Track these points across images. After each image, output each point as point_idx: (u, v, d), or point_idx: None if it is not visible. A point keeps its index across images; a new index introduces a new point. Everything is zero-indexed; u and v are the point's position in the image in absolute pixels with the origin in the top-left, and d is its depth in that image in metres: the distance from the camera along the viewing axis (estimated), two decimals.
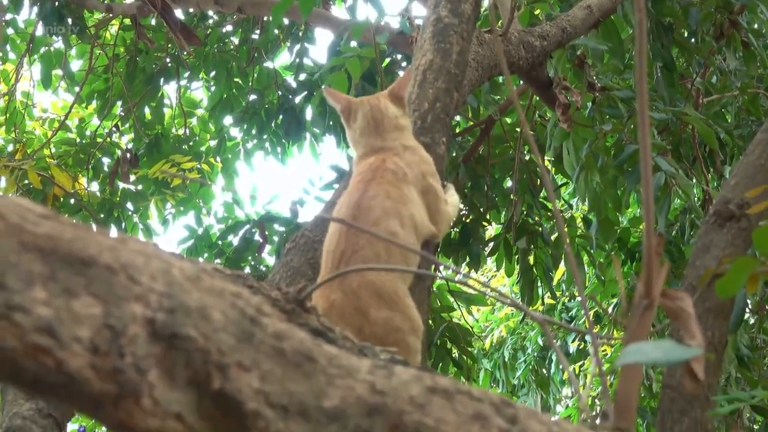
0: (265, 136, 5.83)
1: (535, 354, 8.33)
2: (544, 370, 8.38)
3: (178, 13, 4.82)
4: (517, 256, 4.44)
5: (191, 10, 5.49)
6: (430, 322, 3.92)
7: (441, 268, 3.84)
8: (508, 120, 4.65)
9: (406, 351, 1.84)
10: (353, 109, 2.27)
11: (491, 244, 4.53)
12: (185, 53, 5.51)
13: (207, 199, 6.10)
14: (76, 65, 6.02)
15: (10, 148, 5.92)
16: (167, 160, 4.23)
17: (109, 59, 5.67)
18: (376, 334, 1.81)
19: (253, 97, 5.80)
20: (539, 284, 4.50)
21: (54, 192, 4.51)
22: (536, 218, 4.45)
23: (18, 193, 4.42)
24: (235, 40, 5.99)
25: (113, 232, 0.67)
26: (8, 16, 5.55)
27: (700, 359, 0.94)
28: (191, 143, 6.13)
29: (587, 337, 6.79)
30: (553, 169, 4.52)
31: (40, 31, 5.41)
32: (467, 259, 4.34)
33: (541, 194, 4.49)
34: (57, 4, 4.91)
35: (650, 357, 0.79)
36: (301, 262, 2.46)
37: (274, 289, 1.05)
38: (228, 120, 6.02)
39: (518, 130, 4.52)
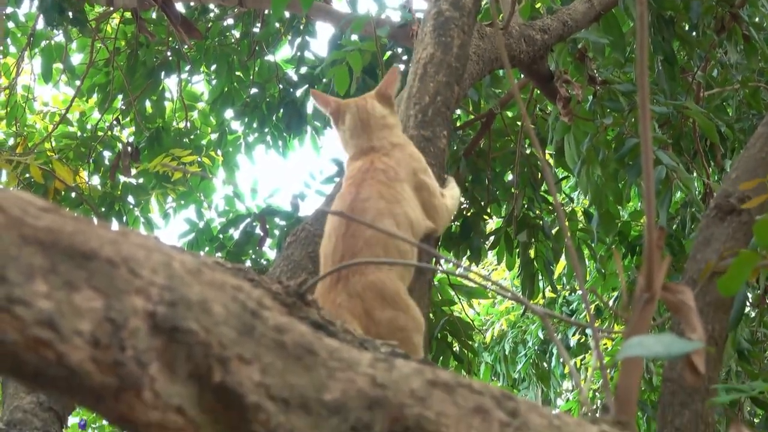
0: (266, 130, 5.83)
1: (536, 347, 8.33)
2: (545, 364, 8.38)
3: (179, 7, 4.80)
4: (517, 250, 4.44)
5: (192, 3, 5.48)
6: (431, 315, 3.92)
7: (442, 261, 3.84)
8: (509, 113, 4.65)
9: (413, 349, 1.87)
10: (341, 111, 2.29)
11: (492, 238, 4.54)
12: (186, 47, 5.50)
13: (208, 193, 6.10)
14: (76, 59, 6.02)
15: (11, 141, 5.91)
16: (168, 153, 4.22)
17: (109, 53, 5.66)
18: (382, 334, 1.82)
19: (254, 90, 5.80)
20: (540, 278, 4.51)
21: (55, 186, 4.51)
22: (537, 212, 4.45)
23: (19, 187, 4.42)
24: (236, 34, 5.98)
25: (114, 225, 0.67)
26: (9, 10, 5.55)
27: (701, 352, 0.94)
28: (192, 137, 6.11)
29: (588, 331, 6.79)
30: (554, 162, 4.52)
31: (41, 24, 5.41)
32: (468, 253, 4.34)
33: (542, 188, 4.49)
34: None
35: (651, 350, 0.79)
36: (301, 255, 2.46)
37: (275, 283, 1.05)
38: (229, 113, 6.02)
39: (519, 123, 4.52)
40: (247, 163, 7.05)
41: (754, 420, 4.80)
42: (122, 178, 5.61)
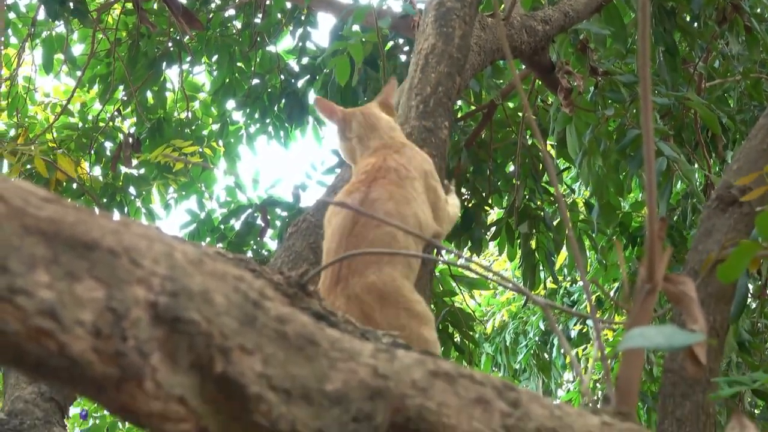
0: (267, 120, 5.82)
1: (537, 338, 8.33)
2: (546, 355, 8.38)
3: None
4: (519, 241, 4.44)
5: None
6: (432, 306, 3.92)
7: (443, 252, 3.84)
8: (511, 104, 4.64)
9: (424, 344, 1.85)
10: (347, 120, 2.29)
11: (493, 229, 4.54)
12: (187, 37, 5.49)
13: (209, 184, 6.09)
14: (77, 50, 6.00)
15: (12, 132, 5.91)
16: (169, 144, 4.22)
17: (111, 43, 5.65)
18: None
19: (255, 81, 5.79)
20: (541, 269, 4.51)
21: (57, 176, 4.51)
22: (538, 203, 4.45)
23: (21, 178, 4.42)
24: (238, 24, 5.97)
25: (116, 216, 0.67)
26: (10, 0, 5.54)
27: (702, 344, 0.94)
28: (193, 127, 6.10)
29: (589, 322, 6.79)
30: (556, 153, 4.52)
31: (42, 15, 5.40)
32: (469, 244, 4.34)
33: (544, 179, 4.49)
34: None
35: (653, 342, 0.79)
36: (303, 246, 2.47)
37: (277, 273, 1.05)
38: (230, 104, 6.00)
39: (520, 114, 4.51)
40: (249, 154, 7.04)
41: (755, 411, 4.81)
42: (124, 169, 5.61)
